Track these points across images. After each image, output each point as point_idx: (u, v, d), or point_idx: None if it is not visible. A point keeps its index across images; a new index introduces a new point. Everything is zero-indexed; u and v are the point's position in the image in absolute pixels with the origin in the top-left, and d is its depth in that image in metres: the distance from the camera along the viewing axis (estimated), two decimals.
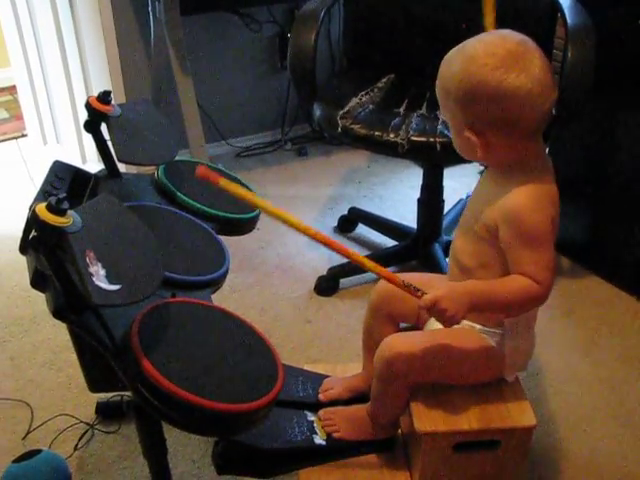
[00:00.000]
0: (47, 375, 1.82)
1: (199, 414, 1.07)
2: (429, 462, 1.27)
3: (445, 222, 2.24)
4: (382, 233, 2.42)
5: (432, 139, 1.80)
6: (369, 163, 3.00)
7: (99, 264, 1.04)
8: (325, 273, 2.17)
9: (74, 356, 1.32)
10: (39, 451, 1.47)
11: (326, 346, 1.92)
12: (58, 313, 1.13)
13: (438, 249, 2.16)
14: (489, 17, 1.39)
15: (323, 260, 2.27)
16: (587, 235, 2.27)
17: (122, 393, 1.64)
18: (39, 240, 1.06)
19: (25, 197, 2.09)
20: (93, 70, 2.71)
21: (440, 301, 1.14)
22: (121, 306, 1.07)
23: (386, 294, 1.40)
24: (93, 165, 2.77)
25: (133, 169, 2.21)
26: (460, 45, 1.16)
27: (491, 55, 1.09)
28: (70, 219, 1.06)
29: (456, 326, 1.21)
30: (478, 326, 1.28)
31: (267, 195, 2.50)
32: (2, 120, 3.55)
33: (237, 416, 1.10)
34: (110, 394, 1.66)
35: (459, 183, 2.64)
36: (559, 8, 1.90)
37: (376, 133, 1.86)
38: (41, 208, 1.04)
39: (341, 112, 1.93)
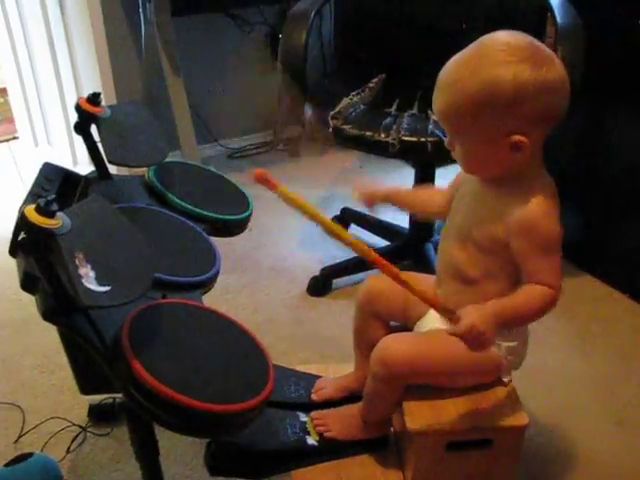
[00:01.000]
0: (39, 378, 1.81)
1: (190, 415, 1.07)
2: (421, 461, 1.27)
3: (437, 222, 2.24)
4: (374, 233, 2.42)
5: (423, 139, 1.81)
6: (361, 163, 3.00)
7: (89, 266, 1.04)
8: (318, 274, 2.17)
9: (66, 358, 1.32)
10: (31, 454, 1.46)
11: (319, 346, 1.92)
12: (48, 315, 1.13)
13: (430, 249, 2.17)
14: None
15: (315, 261, 2.27)
16: (579, 234, 2.27)
17: (114, 395, 1.63)
18: (28, 242, 1.05)
19: (16, 199, 2.08)
20: (84, 72, 2.70)
21: (477, 326, 1.10)
22: (111, 307, 1.07)
23: (371, 293, 1.40)
24: (84, 167, 2.75)
25: (124, 170, 2.21)
26: (466, 54, 1.11)
27: (516, 50, 1.07)
28: (59, 221, 1.05)
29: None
30: None
31: (259, 196, 2.49)
32: None
33: (228, 417, 1.10)
34: (102, 396, 1.66)
35: None
36: (549, 7, 1.91)
37: (367, 133, 1.86)
38: (30, 210, 1.03)
39: (332, 112, 1.93)
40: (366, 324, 1.42)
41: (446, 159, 1.29)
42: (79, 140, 1.58)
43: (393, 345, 1.26)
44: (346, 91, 2.05)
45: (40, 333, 1.95)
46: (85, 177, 1.56)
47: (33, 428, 1.65)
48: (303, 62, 1.94)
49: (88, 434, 1.64)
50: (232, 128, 3.11)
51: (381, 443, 1.39)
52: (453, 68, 1.12)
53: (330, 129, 1.91)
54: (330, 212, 2.55)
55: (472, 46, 1.12)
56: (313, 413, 1.41)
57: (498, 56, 1.07)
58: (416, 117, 1.91)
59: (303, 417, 1.41)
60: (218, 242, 1.55)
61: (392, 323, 1.44)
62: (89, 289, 1.01)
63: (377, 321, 1.41)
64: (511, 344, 1.27)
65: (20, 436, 1.64)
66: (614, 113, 2.05)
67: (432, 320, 1.33)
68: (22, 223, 1.04)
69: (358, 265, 2.22)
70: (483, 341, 1.11)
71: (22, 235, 1.06)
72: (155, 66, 2.59)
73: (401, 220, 2.33)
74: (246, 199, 1.73)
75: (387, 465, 1.36)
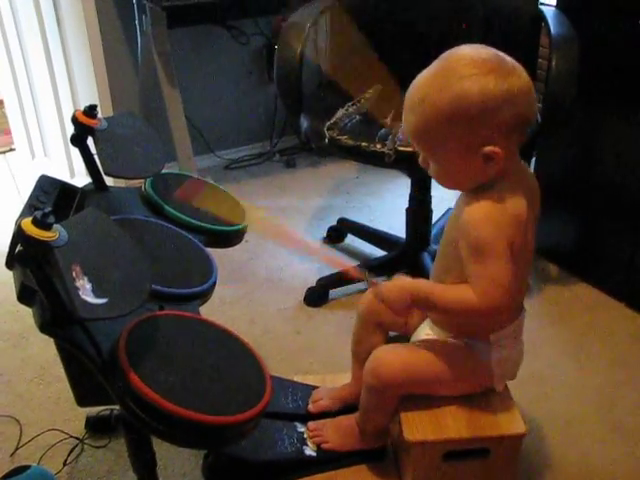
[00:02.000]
0: (36, 390, 1.81)
1: (188, 427, 1.07)
2: (419, 471, 1.27)
3: (433, 231, 2.24)
4: (371, 243, 2.42)
5: None
6: (358, 174, 3.01)
7: (85, 278, 1.04)
8: (314, 284, 2.17)
9: (63, 370, 1.32)
10: (28, 467, 1.46)
11: (316, 357, 1.92)
12: (45, 327, 1.13)
13: (427, 258, 2.17)
14: None
15: (312, 271, 2.27)
16: (575, 242, 2.28)
17: (111, 407, 1.63)
18: (25, 255, 1.06)
19: (13, 211, 2.08)
20: (80, 84, 2.71)
21: (382, 291, 1.22)
22: (108, 320, 1.07)
23: (375, 303, 1.41)
24: (82, 178, 2.76)
25: (121, 182, 2.21)
26: (432, 71, 1.12)
27: (481, 63, 1.08)
28: (56, 233, 1.05)
29: (442, 339, 1.26)
30: (464, 339, 1.29)
31: (256, 207, 2.50)
32: None
33: (225, 428, 1.10)
34: (100, 408, 1.66)
35: (447, 193, 2.61)
36: (543, 18, 1.92)
37: (363, 144, 1.87)
38: (27, 223, 1.04)
39: (328, 123, 1.94)
40: (366, 333, 1.43)
41: None
42: (76, 152, 1.59)
43: (385, 356, 1.28)
44: (342, 102, 2.06)
45: (37, 345, 1.95)
46: (82, 189, 1.57)
47: (30, 440, 1.65)
48: (299, 73, 1.95)
49: (85, 446, 1.63)
50: (228, 139, 3.12)
51: (378, 453, 1.39)
52: (420, 86, 1.13)
53: (326, 140, 1.91)
54: (327, 222, 2.56)
55: (436, 63, 1.13)
56: (310, 424, 1.41)
57: (463, 70, 1.08)
58: None
59: (300, 428, 1.41)
60: (215, 253, 1.56)
61: (391, 333, 1.45)
62: (86, 301, 1.01)
63: (377, 331, 1.42)
64: (500, 355, 1.27)
65: (17, 448, 1.63)
66: (609, 121, 2.06)
67: (425, 328, 1.35)
68: (19, 235, 1.04)
69: None
70: (389, 305, 1.22)
71: (19, 247, 1.07)
72: (151, 78, 2.60)
73: (397, 230, 2.34)
74: (242, 210, 1.73)
75: (385, 475, 1.36)
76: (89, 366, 1.13)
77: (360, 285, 2.17)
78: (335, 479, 1.35)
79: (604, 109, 2.06)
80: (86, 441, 1.64)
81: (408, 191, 2.17)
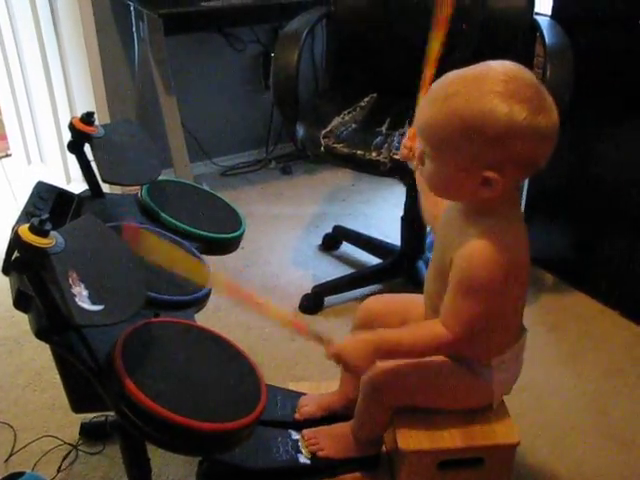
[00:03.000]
0: (30, 396, 1.80)
1: (182, 434, 1.07)
2: None
3: (429, 239, 2.25)
4: (367, 251, 2.42)
5: None
6: (353, 181, 3.01)
7: (82, 284, 1.04)
8: (310, 291, 2.17)
9: (58, 377, 1.32)
10: (22, 473, 1.46)
11: (311, 364, 1.92)
12: (41, 334, 1.13)
13: (422, 266, 2.17)
14: (429, 70, 1.31)
15: (308, 278, 2.28)
16: (570, 251, 2.29)
17: (106, 413, 1.63)
18: (21, 261, 1.06)
19: (9, 217, 2.08)
20: (77, 90, 2.71)
21: (341, 354, 1.16)
22: (104, 326, 1.07)
23: (370, 312, 1.41)
24: (78, 185, 2.76)
25: (117, 189, 2.22)
26: (469, 72, 1.06)
27: (520, 87, 1.02)
28: (53, 240, 1.06)
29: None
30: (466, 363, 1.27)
31: (252, 214, 2.50)
32: None
33: (220, 435, 1.10)
34: (94, 414, 1.65)
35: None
36: (538, 28, 1.93)
37: (358, 152, 1.87)
38: (23, 229, 1.04)
39: (324, 131, 1.95)
40: None
41: None
42: (72, 157, 1.59)
43: (382, 367, 1.27)
44: (337, 110, 2.07)
45: (32, 351, 1.95)
46: (78, 196, 1.57)
47: (24, 447, 1.64)
48: (295, 81, 1.96)
49: (80, 452, 1.63)
50: (225, 146, 3.12)
51: (373, 461, 1.39)
52: (450, 83, 1.06)
53: (322, 148, 1.92)
54: (322, 230, 2.56)
55: (477, 67, 1.06)
56: (305, 431, 1.41)
57: (499, 86, 1.01)
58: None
59: (295, 435, 1.41)
60: (210, 260, 1.56)
61: None
62: (82, 308, 1.01)
63: None
64: (503, 377, 1.27)
65: (11, 455, 1.63)
66: (603, 132, 2.07)
67: None
68: (16, 242, 1.04)
69: (350, 283, 2.23)
70: (352, 368, 1.17)
71: (15, 254, 1.07)
72: (148, 84, 2.61)
73: (393, 238, 2.34)
74: (239, 217, 1.74)
75: None
76: (85, 372, 1.13)
77: (356, 293, 2.18)
78: None
79: (599, 121, 2.08)
80: (80, 447, 1.64)
81: (403, 199, 2.18)
